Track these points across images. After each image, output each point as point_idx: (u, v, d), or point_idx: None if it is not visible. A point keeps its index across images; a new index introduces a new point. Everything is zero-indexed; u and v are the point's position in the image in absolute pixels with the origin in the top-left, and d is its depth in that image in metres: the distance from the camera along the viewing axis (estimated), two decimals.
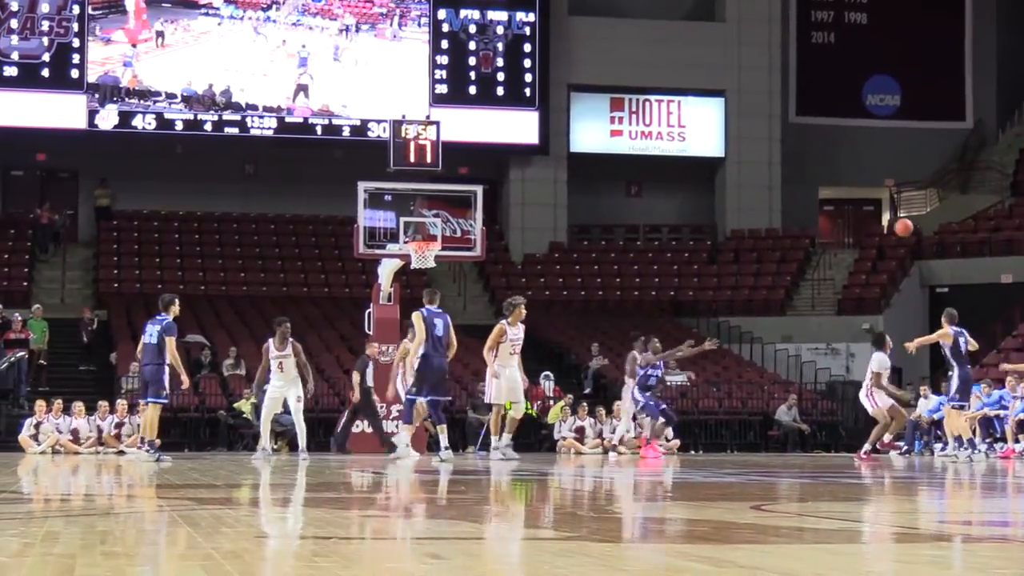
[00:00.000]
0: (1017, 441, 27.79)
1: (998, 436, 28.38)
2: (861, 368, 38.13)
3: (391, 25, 42.15)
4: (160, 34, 40.88)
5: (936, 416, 30.12)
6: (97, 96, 40.06)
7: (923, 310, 40.45)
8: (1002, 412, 28.39)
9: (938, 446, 29.47)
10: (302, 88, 41.24)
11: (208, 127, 40.62)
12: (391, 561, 6.16)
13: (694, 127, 44.37)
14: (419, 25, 42.20)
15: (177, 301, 20.51)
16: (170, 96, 40.55)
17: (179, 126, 40.58)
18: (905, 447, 30.59)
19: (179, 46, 41.10)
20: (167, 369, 20.20)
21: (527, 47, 42.72)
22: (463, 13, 42.40)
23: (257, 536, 7.08)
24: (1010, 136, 46.86)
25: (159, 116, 40.35)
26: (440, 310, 20.52)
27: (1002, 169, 45.19)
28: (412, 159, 28.48)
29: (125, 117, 40.17)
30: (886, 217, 46.99)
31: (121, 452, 26.70)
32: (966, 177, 45.58)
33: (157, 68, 40.73)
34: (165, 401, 20.77)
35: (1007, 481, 14.99)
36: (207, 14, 41.27)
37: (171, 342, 19.97)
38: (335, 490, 12.24)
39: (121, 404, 28.34)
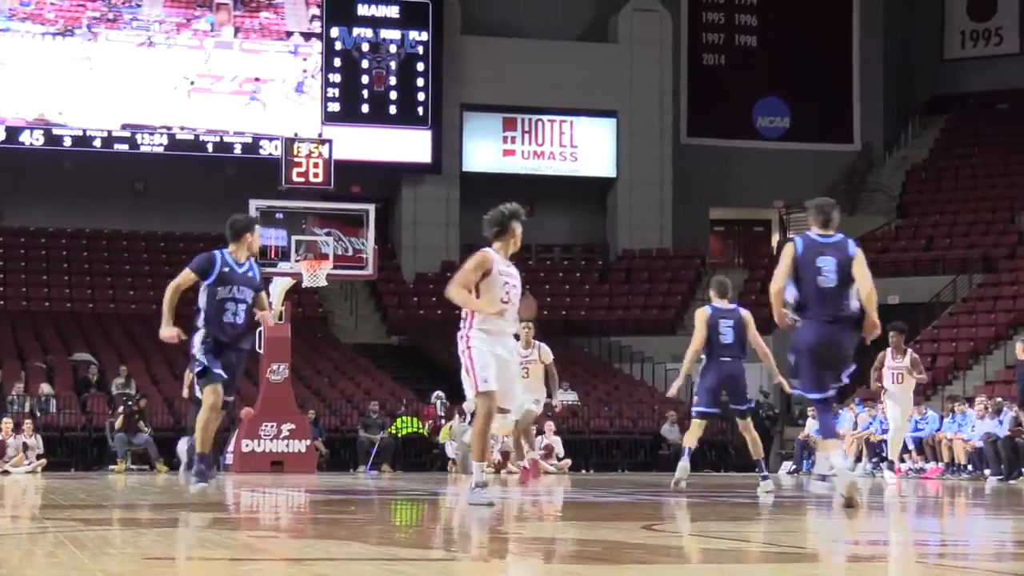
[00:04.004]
0: (903, 461, 28.12)
1: (884, 456, 28.70)
2: (751, 388, 38.49)
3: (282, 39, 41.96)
4: None
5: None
6: None
7: None
8: (886, 436, 28.72)
9: None
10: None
11: (97, 143, 40.12)
12: None
13: (586, 147, 44.58)
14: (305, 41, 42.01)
15: (252, 230, 12.88)
16: None
17: (68, 142, 40.05)
18: (793, 466, 30.89)
19: None
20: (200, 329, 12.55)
21: (420, 66, 42.69)
22: (356, 31, 42.29)
23: (144, 558, 6.99)
24: (896, 158, 47.53)
25: (47, 132, 39.83)
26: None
27: (889, 191, 45.80)
28: (304, 177, 28.39)
29: (12, 133, 39.62)
30: (775, 238, 47.47)
31: (6, 472, 26.29)
32: (854, 199, 46.13)
33: None
34: (198, 370, 12.61)
35: (894, 501, 15.17)
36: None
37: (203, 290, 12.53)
38: (223, 510, 12.13)
39: (6, 423, 27.87)
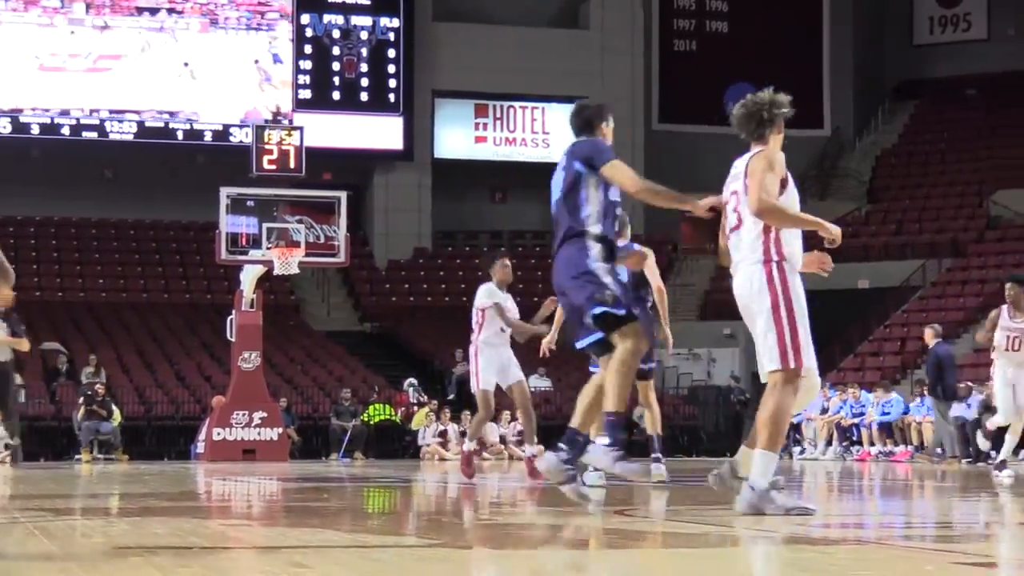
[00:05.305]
0: (872, 444, 28.28)
1: (855, 439, 28.87)
2: (722, 373, 38.63)
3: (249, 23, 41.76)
4: None
5: (794, 419, 30.58)
6: None
7: None
8: (857, 420, 28.90)
9: (796, 449, 29.92)
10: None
11: (66, 131, 39.93)
12: (253, 570, 6.11)
13: (558, 134, 44.50)
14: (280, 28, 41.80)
15: (607, 118, 10.42)
16: None
17: (35, 130, 39.84)
18: None
19: None
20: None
21: (391, 52, 42.61)
22: (327, 18, 42.18)
23: (115, 547, 6.98)
24: (866, 144, 47.67)
25: (14, 120, 39.61)
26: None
27: (859, 176, 45.94)
28: (275, 165, 28.33)
29: None
30: None
31: None
32: (824, 184, 46.26)
33: None
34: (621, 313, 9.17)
35: (863, 484, 15.22)
36: None
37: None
38: (195, 499, 12.11)
39: None
